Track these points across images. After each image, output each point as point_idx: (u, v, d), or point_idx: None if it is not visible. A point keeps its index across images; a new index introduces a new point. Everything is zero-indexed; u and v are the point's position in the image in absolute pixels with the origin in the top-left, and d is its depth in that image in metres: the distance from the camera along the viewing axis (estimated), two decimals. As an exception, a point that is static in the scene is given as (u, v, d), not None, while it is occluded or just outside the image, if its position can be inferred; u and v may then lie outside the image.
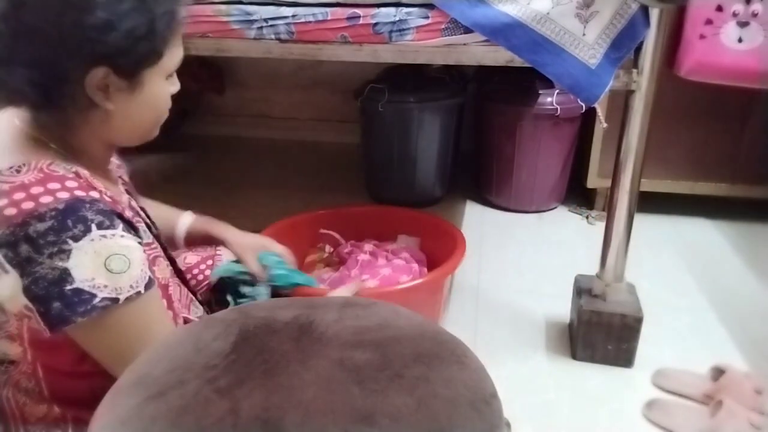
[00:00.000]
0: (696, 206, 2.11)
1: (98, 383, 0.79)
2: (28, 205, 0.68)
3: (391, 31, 1.17)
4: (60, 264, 0.67)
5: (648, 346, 1.40)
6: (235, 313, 0.58)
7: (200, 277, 1.21)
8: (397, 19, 1.16)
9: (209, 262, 1.27)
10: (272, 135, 2.86)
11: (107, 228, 0.71)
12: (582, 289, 1.42)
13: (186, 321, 0.96)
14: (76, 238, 0.68)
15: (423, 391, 0.44)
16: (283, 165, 2.62)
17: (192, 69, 2.53)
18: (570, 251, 1.91)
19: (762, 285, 1.74)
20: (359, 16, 1.17)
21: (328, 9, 1.18)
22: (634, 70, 1.19)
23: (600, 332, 1.37)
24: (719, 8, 1.58)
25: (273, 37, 1.21)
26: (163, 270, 0.89)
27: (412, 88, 2.04)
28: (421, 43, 1.17)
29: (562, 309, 1.54)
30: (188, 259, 1.25)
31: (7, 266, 0.67)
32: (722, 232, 2.04)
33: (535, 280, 1.76)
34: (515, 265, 1.85)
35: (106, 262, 0.70)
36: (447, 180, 2.26)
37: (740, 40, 1.59)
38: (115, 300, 0.70)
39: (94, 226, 0.70)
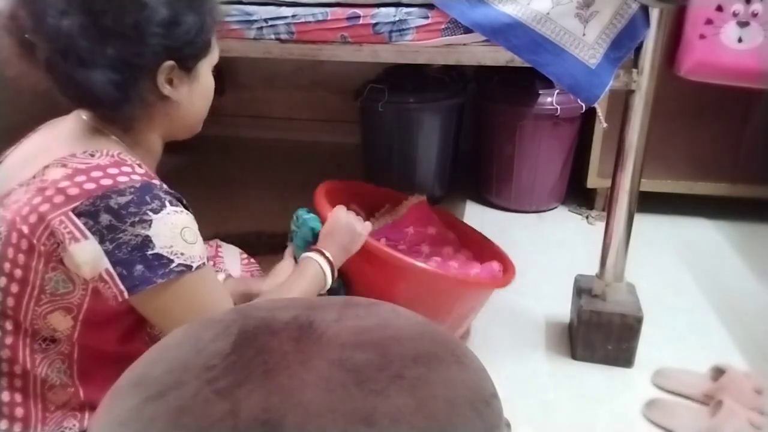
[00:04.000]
0: (696, 206, 2.11)
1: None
2: (107, 182, 0.76)
3: (391, 31, 1.17)
4: (142, 232, 0.74)
5: (648, 346, 1.40)
6: (234, 313, 0.58)
7: None
8: (397, 19, 1.16)
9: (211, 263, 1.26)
10: (272, 135, 2.86)
11: (176, 206, 0.79)
12: (582, 289, 1.42)
13: None
14: (155, 211, 0.76)
15: (423, 392, 0.44)
16: (283, 165, 2.62)
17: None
18: (570, 251, 1.91)
19: (762, 285, 1.74)
20: (359, 16, 1.17)
21: (328, 9, 1.18)
22: (634, 70, 1.19)
23: (600, 332, 1.37)
24: (719, 8, 1.58)
25: (273, 37, 1.21)
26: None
27: (412, 88, 2.04)
28: (421, 43, 1.17)
29: (562, 309, 1.54)
30: None
31: (88, 233, 0.73)
32: (722, 232, 2.04)
33: (535, 280, 1.76)
34: (515, 265, 1.84)
35: (181, 232, 0.78)
36: (447, 180, 2.26)
37: (740, 40, 1.59)
38: (189, 267, 0.78)
39: (167, 203, 0.78)
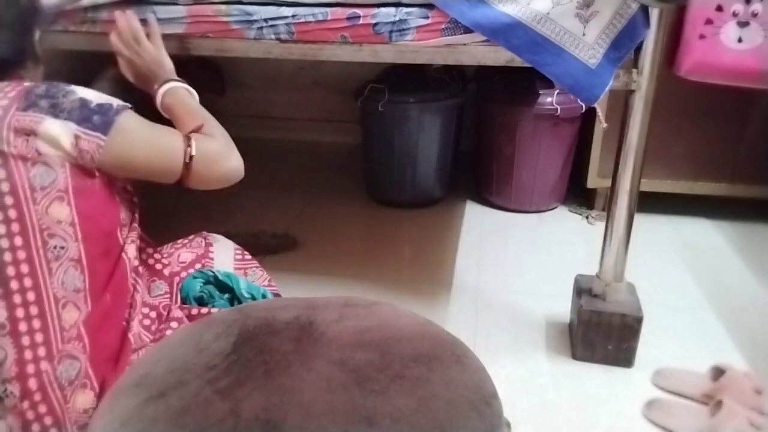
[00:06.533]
0: (696, 206, 2.11)
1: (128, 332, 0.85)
2: (19, 87, 0.86)
3: (391, 31, 1.17)
4: (74, 97, 0.86)
5: (648, 346, 1.40)
6: (235, 313, 0.58)
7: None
8: (397, 19, 1.16)
9: (200, 263, 1.24)
10: (272, 135, 2.86)
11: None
12: (582, 289, 1.42)
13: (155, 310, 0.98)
14: (69, 85, 0.87)
15: (423, 392, 0.44)
16: (283, 165, 2.62)
17: (192, 70, 2.52)
18: (570, 251, 1.91)
19: (762, 285, 1.74)
20: (359, 16, 1.17)
21: (328, 9, 1.18)
22: (634, 70, 1.19)
23: (600, 332, 1.37)
24: (719, 8, 1.58)
25: (273, 37, 1.21)
26: (133, 252, 0.97)
27: (412, 88, 2.04)
28: (421, 43, 1.17)
29: (562, 309, 1.54)
30: (182, 257, 1.23)
31: (43, 115, 0.83)
32: (722, 232, 2.04)
33: (535, 280, 1.76)
34: (515, 265, 1.85)
35: (97, 93, 0.89)
36: (447, 180, 2.26)
37: (740, 40, 1.59)
38: (125, 106, 0.89)
39: (73, 84, 0.88)
